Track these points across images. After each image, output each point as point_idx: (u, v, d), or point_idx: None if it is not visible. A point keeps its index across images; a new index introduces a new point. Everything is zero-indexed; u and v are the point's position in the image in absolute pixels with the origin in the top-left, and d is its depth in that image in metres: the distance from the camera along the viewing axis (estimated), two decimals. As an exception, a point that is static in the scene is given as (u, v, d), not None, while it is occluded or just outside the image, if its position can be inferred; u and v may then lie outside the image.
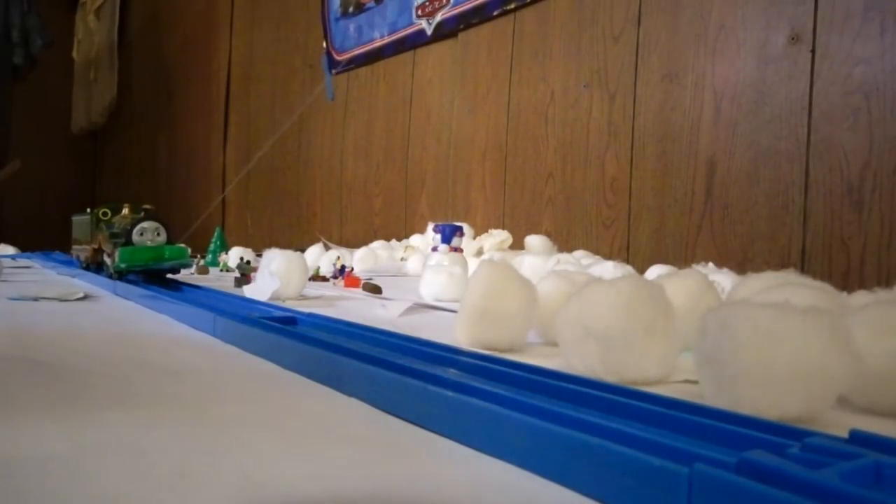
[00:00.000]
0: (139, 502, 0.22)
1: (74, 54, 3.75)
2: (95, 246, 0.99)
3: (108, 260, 0.90)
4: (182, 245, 0.89)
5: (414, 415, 0.32)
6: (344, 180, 1.96)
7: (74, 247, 1.22)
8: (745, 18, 1.00)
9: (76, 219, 1.19)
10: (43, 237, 2.56)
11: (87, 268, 1.11)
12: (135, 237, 0.84)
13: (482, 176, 1.49)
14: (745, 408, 0.32)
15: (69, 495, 0.23)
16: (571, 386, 0.34)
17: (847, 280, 0.86)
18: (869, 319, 0.37)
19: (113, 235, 0.89)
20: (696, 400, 0.31)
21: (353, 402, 0.36)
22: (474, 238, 1.26)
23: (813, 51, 0.92)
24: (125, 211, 0.95)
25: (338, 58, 1.99)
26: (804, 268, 0.90)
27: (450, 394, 0.31)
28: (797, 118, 0.93)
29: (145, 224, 0.85)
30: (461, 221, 1.25)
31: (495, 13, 1.43)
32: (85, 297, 0.80)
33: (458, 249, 1.00)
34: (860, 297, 0.49)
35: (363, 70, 1.90)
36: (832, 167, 0.89)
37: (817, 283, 0.49)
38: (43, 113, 3.58)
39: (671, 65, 1.10)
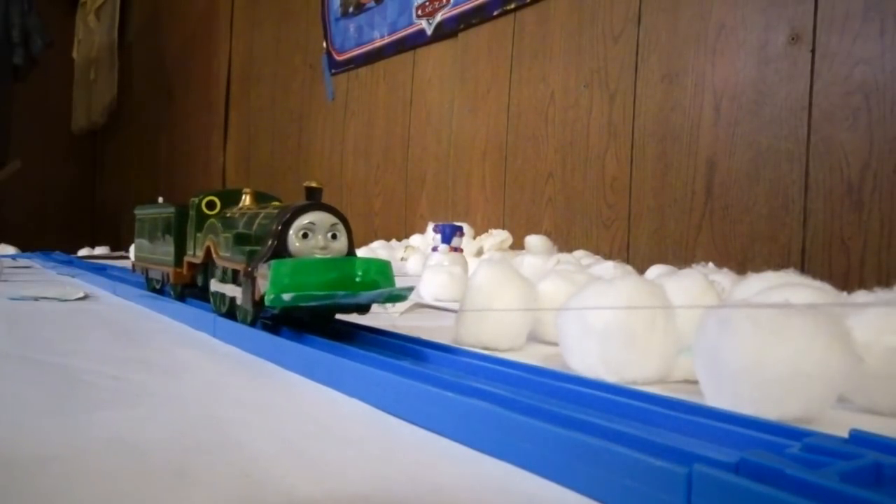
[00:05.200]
0: (139, 502, 0.22)
1: (74, 54, 3.75)
2: (196, 259, 0.61)
3: (240, 286, 0.50)
4: (382, 258, 0.53)
5: (414, 415, 0.32)
6: (344, 180, 1.96)
7: (140, 257, 0.80)
8: (745, 18, 1.00)
9: (143, 212, 0.78)
10: (43, 237, 2.55)
11: (157, 290, 0.75)
12: (293, 242, 0.47)
13: (482, 176, 1.48)
14: (745, 408, 0.32)
15: (69, 495, 0.23)
16: (571, 386, 0.34)
17: (847, 280, 0.86)
18: (869, 319, 0.37)
19: (241, 239, 0.51)
20: (696, 400, 0.31)
21: (353, 402, 0.36)
22: (474, 238, 1.26)
23: (813, 51, 0.92)
24: (247, 200, 0.60)
25: (338, 58, 1.99)
26: (804, 268, 0.90)
27: (450, 394, 0.31)
28: (797, 118, 0.93)
29: (312, 217, 0.48)
30: (461, 221, 1.25)
31: (495, 13, 1.43)
32: (85, 297, 0.80)
33: (458, 249, 1.00)
34: (860, 297, 0.49)
35: (363, 70, 1.90)
36: (832, 167, 0.89)
37: (817, 283, 0.49)
38: (43, 113, 3.58)
39: (671, 65, 1.10)
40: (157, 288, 0.76)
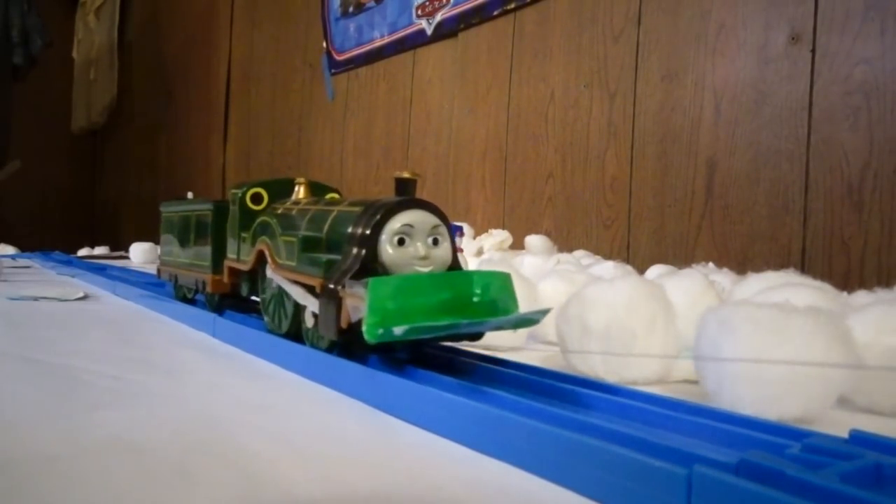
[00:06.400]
0: (139, 502, 0.22)
1: (74, 54, 3.75)
2: (243, 265, 0.51)
3: (319, 307, 0.38)
4: (499, 269, 0.41)
5: (414, 415, 0.32)
6: (344, 180, 1.96)
7: (167, 261, 0.70)
8: (745, 18, 1.00)
9: (172, 209, 0.69)
10: (43, 237, 2.55)
11: (189, 299, 0.66)
12: (386, 251, 0.37)
13: (482, 176, 1.48)
14: (745, 408, 0.32)
15: (69, 495, 0.23)
16: (571, 386, 0.34)
17: (847, 280, 0.86)
18: (869, 319, 0.37)
19: (310, 244, 0.41)
20: (696, 400, 0.31)
21: (353, 402, 0.36)
22: (474, 238, 1.26)
23: (813, 51, 0.92)
24: (301, 191, 0.51)
25: (338, 58, 1.99)
26: (804, 268, 0.90)
27: (449, 394, 0.31)
28: (797, 118, 0.93)
29: (409, 216, 0.38)
30: (461, 221, 1.25)
31: (495, 13, 1.43)
32: (85, 297, 0.80)
33: (458, 249, 1.00)
34: (860, 297, 0.49)
35: (363, 70, 1.90)
36: (832, 167, 0.89)
37: (817, 283, 0.49)
38: (43, 113, 3.58)
39: (671, 65, 1.10)
40: (188, 297, 0.67)
